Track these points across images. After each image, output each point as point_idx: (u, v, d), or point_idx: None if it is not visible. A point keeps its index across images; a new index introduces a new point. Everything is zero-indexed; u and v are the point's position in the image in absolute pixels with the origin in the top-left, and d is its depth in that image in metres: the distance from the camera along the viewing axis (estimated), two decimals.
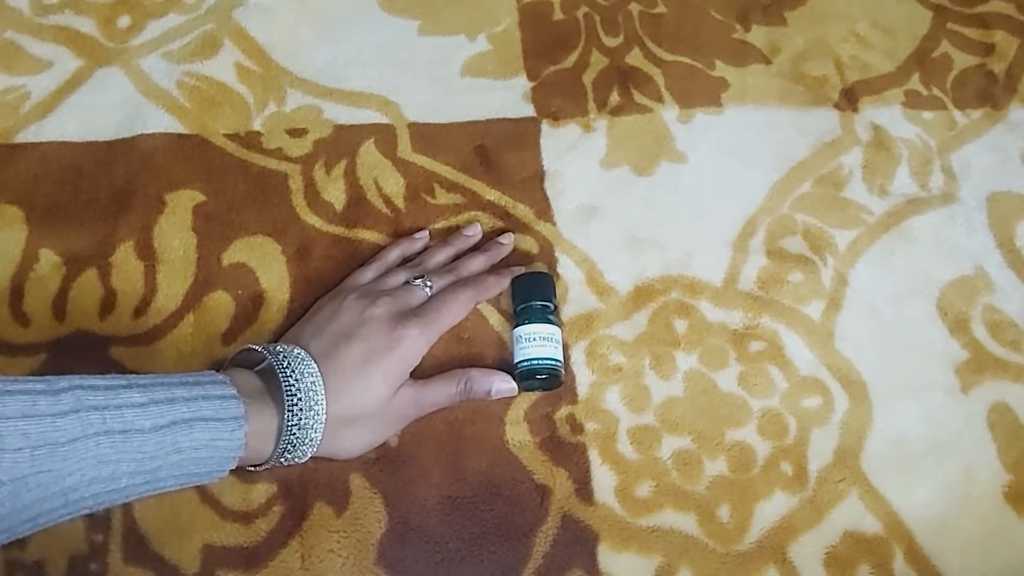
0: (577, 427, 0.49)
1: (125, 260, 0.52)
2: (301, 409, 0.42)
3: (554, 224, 0.56)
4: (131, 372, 0.49)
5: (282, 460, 0.43)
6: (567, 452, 0.48)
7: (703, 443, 0.49)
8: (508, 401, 0.50)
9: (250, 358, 0.45)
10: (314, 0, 0.64)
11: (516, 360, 0.50)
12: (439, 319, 0.48)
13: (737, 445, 0.49)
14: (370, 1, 0.65)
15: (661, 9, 0.65)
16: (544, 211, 0.56)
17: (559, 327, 0.51)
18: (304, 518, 0.46)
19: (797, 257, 0.55)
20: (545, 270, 0.54)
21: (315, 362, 0.44)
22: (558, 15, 0.65)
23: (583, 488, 0.48)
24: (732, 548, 0.46)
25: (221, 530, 0.45)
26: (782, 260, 0.55)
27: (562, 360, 0.50)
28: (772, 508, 0.48)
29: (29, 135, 0.57)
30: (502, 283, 0.52)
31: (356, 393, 0.44)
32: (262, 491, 0.46)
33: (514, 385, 0.49)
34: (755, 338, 0.52)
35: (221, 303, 0.51)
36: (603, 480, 0.48)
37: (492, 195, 0.56)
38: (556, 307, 0.51)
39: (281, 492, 0.46)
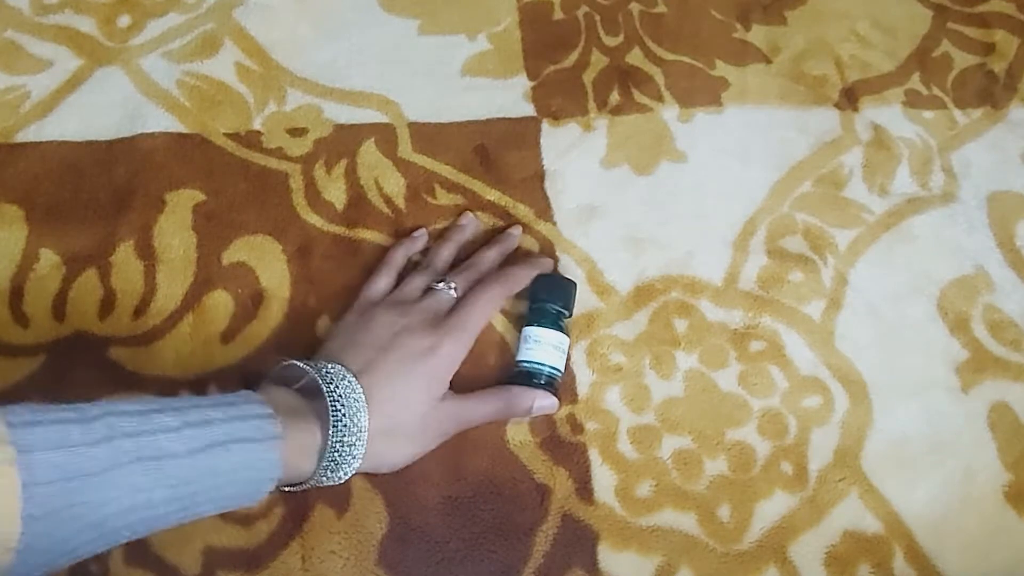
0: (577, 427, 0.49)
1: (125, 260, 0.52)
2: (345, 425, 0.41)
3: (554, 223, 0.56)
4: (130, 372, 0.49)
5: (323, 479, 0.42)
6: (567, 452, 0.49)
7: (703, 443, 0.49)
8: None
9: (288, 374, 0.44)
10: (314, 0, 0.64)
11: (520, 357, 0.49)
12: (472, 322, 0.48)
13: (737, 445, 0.49)
14: (370, 0, 0.65)
15: (661, 8, 0.65)
16: (544, 211, 0.56)
17: (568, 337, 0.50)
18: (305, 519, 0.46)
19: (797, 256, 0.55)
20: (572, 279, 0.53)
21: (355, 377, 0.43)
22: (558, 14, 0.65)
23: (583, 488, 0.48)
24: (732, 548, 0.47)
25: (222, 532, 0.45)
26: (782, 259, 0.55)
27: (563, 370, 0.50)
28: (772, 508, 0.48)
29: (29, 134, 0.57)
30: (530, 274, 0.51)
31: (397, 406, 0.44)
32: None
33: (554, 401, 0.49)
34: (755, 337, 0.52)
35: (220, 302, 0.51)
36: (603, 480, 0.48)
37: (492, 195, 0.56)
38: (570, 315, 0.51)
39: (281, 494, 0.46)
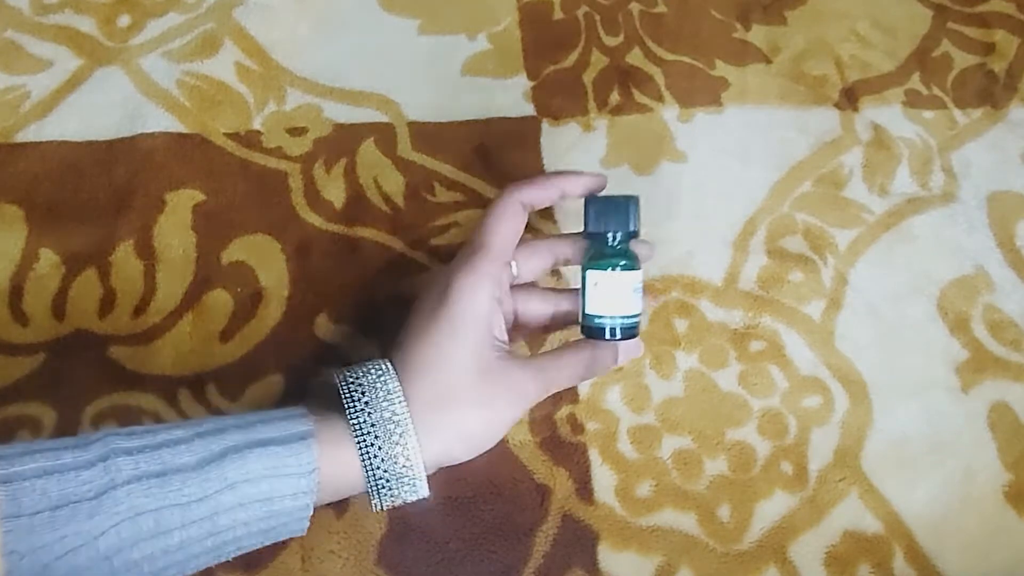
0: (578, 427, 0.49)
1: (125, 259, 0.52)
2: (366, 403, 0.36)
3: (555, 223, 0.56)
4: (129, 371, 0.49)
5: (385, 472, 0.36)
6: (567, 452, 0.48)
7: (703, 443, 0.49)
8: None
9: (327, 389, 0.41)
10: None
11: (585, 310, 0.42)
12: (484, 239, 0.40)
13: (737, 445, 0.49)
14: (370, 0, 0.65)
15: (661, 8, 0.65)
16: (545, 210, 0.56)
17: (639, 268, 0.42)
18: None
19: (797, 256, 0.55)
20: (632, 195, 0.43)
21: (384, 359, 0.39)
22: (558, 14, 0.65)
23: (583, 488, 0.47)
24: (732, 548, 0.46)
25: None
26: (782, 259, 0.55)
27: (641, 311, 0.42)
28: (772, 507, 0.48)
29: (29, 134, 0.57)
30: (577, 182, 0.42)
31: (429, 364, 0.37)
32: None
33: (638, 345, 0.44)
34: (755, 337, 0.52)
35: (220, 301, 0.51)
36: (603, 480, 0.48)
37: (492, 193, 0.56)
38: (639, 234, 0.43)
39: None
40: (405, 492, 0.38)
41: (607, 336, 0.41)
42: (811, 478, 0.48)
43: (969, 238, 0.57)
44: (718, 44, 0.64)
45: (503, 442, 0.48)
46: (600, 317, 0.41)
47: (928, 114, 0.62)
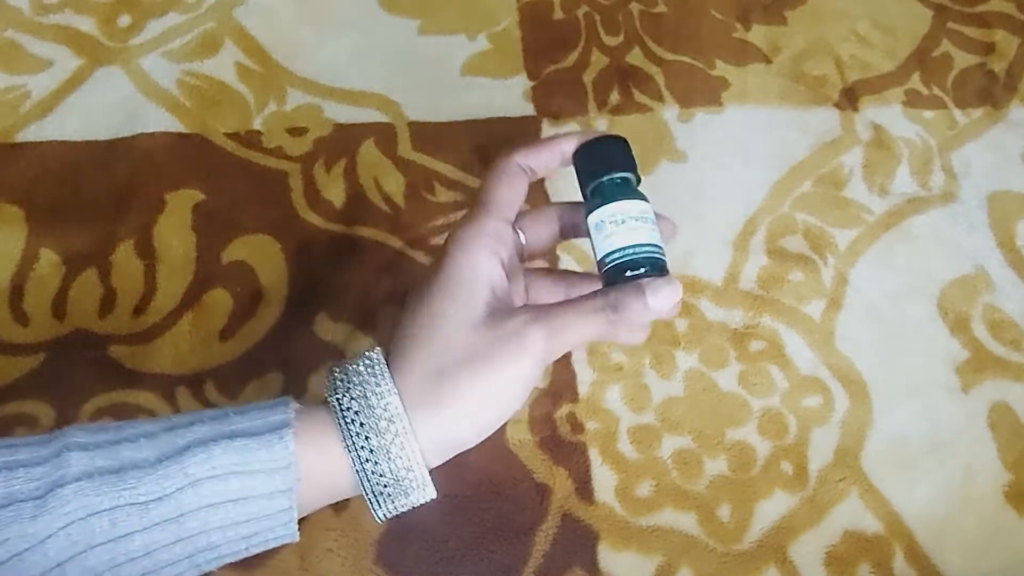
0: (577, 426, 0.49)
1: (125, 259, 0.52)
2: (348, 376, 0.32)
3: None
4: (129, 370, 0.49)
5: (376, 465, 0.31)
6: (567, 451, 0.48)
7: (703, 442, 0.49)
8: None
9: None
10: None
11: (600, 255, 0.36)
12: (483, 198, 0.36)
13: (737, 444, 0.49)
14: (370, 0, 0.65)
15: (661, 8, 0.65)
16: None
17: (648, 202, 0.37)
18: (302, 517, 0.46)
19: (797, 256, 0.55)
20: (619, 135, 0.39)
21: (377, 348, 0.35)
22: (558, 14, 0.65)
23: (583, 487, 0.47)
24: (732, 547, 0.46)
25: None
26: (782, 259, 0.55)
27: (662, 244, 0.36)
28: (772, 507, 0.47)
29: (29, 134, 0.57)
30: (560, 146, 0.38)
31: (420, 331, 0.33)
32: None
33: (677, 286, 0.34)
34: (755, 337, 0.52)
35: (219, 301, 0.51)
36: (603, 479, 0.48)
37: None
38: (639, 179, 0.38)
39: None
40: (405, 490, 0.33)
41: (627, 272, 0.35)
42: (811, 478, 0.48)
43: (969, 238, 0.57)
44: (718, 44, 0.64)
45: (503, 441, 0.48)
46: (614, 252, 0.35)
47: (928, 114, 0.62)
